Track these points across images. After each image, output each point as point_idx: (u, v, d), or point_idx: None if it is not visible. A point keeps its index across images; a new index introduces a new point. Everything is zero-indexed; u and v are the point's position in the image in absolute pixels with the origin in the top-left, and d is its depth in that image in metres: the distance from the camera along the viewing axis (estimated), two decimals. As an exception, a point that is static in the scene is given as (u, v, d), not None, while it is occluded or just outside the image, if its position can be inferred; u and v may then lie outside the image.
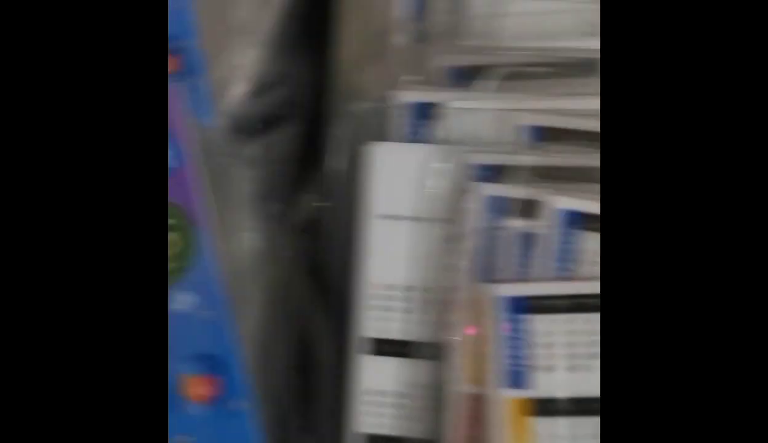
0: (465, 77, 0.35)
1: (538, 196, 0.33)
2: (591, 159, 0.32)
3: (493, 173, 0.33)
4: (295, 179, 0.37)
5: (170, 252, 0.34)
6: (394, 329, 0.34)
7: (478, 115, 0.34)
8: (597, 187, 0.29)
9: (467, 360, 0.32)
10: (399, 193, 0.34)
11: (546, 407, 0.32)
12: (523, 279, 0.33)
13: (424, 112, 0.35)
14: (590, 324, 0.32)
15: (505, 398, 0.32)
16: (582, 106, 0.34)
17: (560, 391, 0.32)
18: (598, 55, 0.28)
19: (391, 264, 0.34)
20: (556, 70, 0.35)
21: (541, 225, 0.33)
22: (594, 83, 0.30)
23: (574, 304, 0.32)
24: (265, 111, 0.38)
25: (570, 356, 0.32)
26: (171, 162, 0.34)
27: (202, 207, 0.34)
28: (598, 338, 0.27)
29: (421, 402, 0.33)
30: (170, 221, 0.34)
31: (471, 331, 0.32)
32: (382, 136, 0.35)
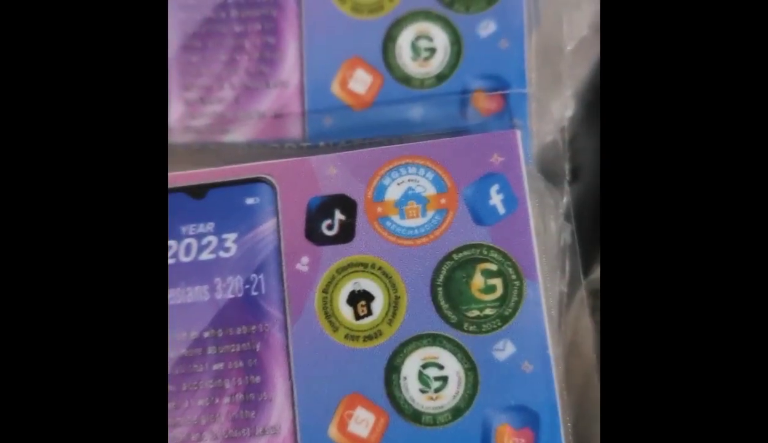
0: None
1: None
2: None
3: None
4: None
5: (489, 296, 0.34)
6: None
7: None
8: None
9: None
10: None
11: None
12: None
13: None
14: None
15: None
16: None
17: None
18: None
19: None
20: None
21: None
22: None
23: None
24: (572, 161, 0.38)
25: None
26: (501, 207, 0.34)
27: (530, 256, 0.33)
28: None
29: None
30: (492, 266, 0.34)
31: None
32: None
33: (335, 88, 0.38)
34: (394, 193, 0.35)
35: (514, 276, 0.34)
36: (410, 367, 0.33)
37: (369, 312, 0.34)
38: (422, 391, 0.33)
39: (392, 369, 0.33)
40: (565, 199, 0.37)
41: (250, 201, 0.35)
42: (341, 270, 0.34)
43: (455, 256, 0.34)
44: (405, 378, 0.33)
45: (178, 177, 0.36)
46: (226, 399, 0.34)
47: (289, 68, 0.39)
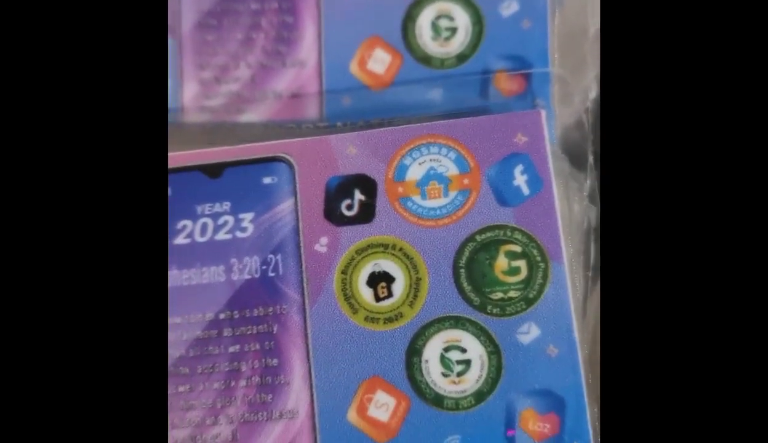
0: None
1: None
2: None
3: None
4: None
5: (513, 278, 0.33)
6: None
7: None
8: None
9: None
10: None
11: None
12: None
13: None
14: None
15: None
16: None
17: None
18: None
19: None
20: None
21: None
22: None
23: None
24: (596, 144, 0.37)
25: None
26: (525, 188, 0.33)
27: (556, 238, 0.33)
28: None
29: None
30: (516, 247, 0.33)
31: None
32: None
33: (354, 68, 0.37)
34: (415, 172, 0.34)
35: (539, 258, 0.33)
36: (432, 350, 0.33)
37: (389, 294, 0.33)
38: (444, 375, 0.32)
39: (413, 352, 0.33)
40: (590, 181, 0.36)
41: (267, 180, 0.35)
42: (361, 251, 0.34)
43: (478, 237, 0.33)
44: (426, 362, 0.33)
45: (193, 155, 0.35)
46: (243, 382, 0.33)
47: (306, 47, 0.38)
